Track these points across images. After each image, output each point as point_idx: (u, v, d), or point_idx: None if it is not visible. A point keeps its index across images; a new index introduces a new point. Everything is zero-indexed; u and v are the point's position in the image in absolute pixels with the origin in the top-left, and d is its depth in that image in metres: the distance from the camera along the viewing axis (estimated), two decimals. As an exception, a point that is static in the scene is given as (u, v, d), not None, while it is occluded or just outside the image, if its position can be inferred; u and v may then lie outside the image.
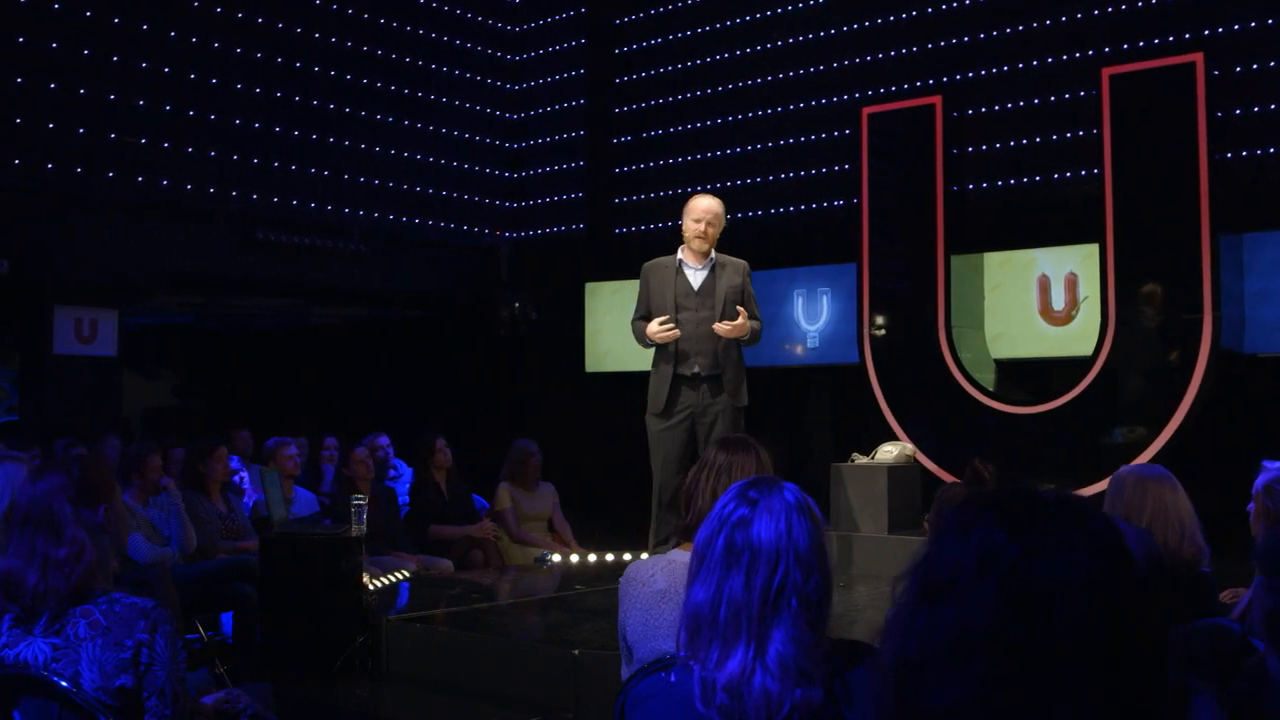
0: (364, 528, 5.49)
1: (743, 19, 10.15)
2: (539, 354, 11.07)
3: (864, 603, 5.84)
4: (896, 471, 6.93)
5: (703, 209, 6.02)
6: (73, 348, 8.23)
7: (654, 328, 5.92)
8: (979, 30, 8.83)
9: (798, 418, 9.85)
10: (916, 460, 7.34)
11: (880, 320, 8.62)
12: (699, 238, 5.98)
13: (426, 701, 4.96)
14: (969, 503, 1.14)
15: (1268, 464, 3.82)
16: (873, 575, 6.49)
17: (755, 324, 6.04)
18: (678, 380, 5.94)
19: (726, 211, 10.06)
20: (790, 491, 2.10)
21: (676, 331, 5.89)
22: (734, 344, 5.98)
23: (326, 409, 12.05)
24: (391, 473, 8.64)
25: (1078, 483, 7.69)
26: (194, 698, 3.06)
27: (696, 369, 5.93)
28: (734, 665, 1.97)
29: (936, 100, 8.48)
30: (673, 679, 2.06)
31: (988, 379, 8.51)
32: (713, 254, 6.06)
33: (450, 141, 10.88)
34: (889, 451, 6.99)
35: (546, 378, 11.00)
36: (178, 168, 8.76)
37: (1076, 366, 7.85)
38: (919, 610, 1.08)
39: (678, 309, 5.94)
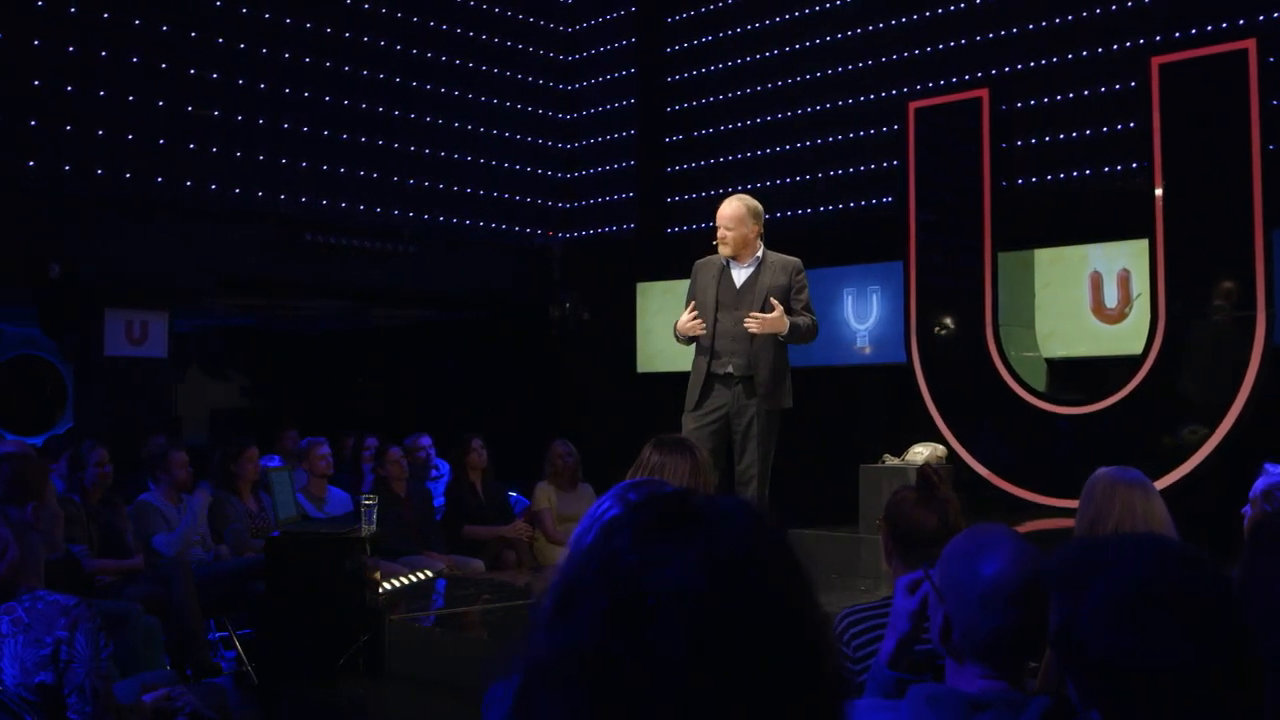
0: (373, 528, 5.51)
1: (791, 15, 10.03)
2: (591, 354, 11.05)
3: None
4: (926, 473, 6.76)
5: (720, 215, 5.94)
6: (124, 349, 8.42)
7: (682, 319, 5.85)
8: (1026, 21, 8.60)
9: (848, 418, 9.70)
10: (950, 462, 7.16)
11: (946, 320, 8.44)
12: (721, 243, 5.92)
13: (427, 701, 4.96)
14: (621, 510, 1.06)
15: (1270, 467, 3.63)
16: (899, 579, 6.33)
17: (802, 320, 5.84)
18: (711, 378, 5.87)
19: (780, 210, 10.05)
20: None
21: (699, 324, 5.80)
22: (771, 345, 5.83)
23: (387, 409, 12.19)
24: (434, 473, 8.68)
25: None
26: (138, 694, 3.09)
27: (730, 368, 5.83)
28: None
29: (983, 93, 8.30)
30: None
31: (1039, 378, 8.30)
32: (759, 252, 5.94)
33: (502, 143, 10.93)
34: (919, 453, 6.83)
35: (598, 378, 10.98)
36: (226, 171, 8.91)
37: (1130, 365, 7.61)
38: (543, 625, 1.00)
39: (718, 307, 5.86)
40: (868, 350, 9.66)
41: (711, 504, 1.02)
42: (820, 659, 0.98)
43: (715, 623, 0.93)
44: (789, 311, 5.78)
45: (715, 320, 5.84)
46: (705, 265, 6.07)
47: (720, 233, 5.87)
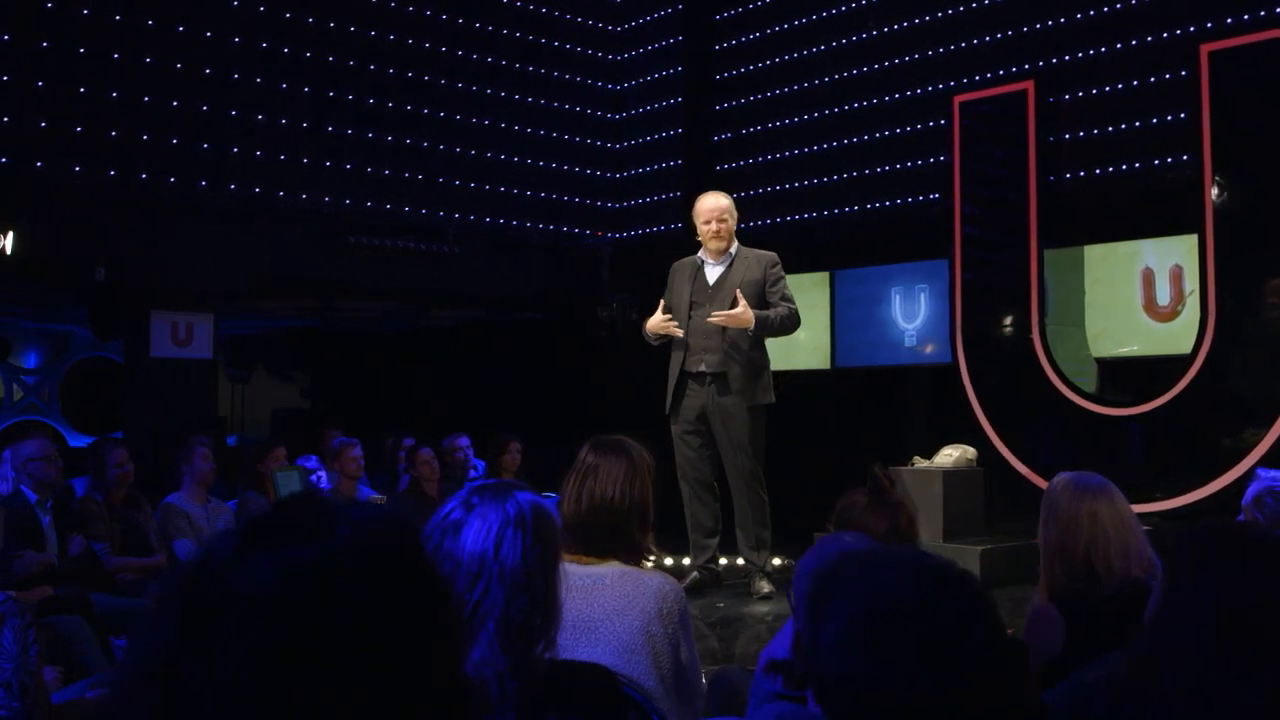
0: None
1: (837, 10, 9.87)
2: (637, 355, 10.97)
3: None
4: (955, 476, 6.58)
5: (708, 209, 5.91)
6: (169, 351, 8.54)
7: (654, 320, 5.83)
8: (1071, 11, 8.35)
9: (895, 419, 9.51)
10: (981, 464, 6.97)
11: (991, 318, 8.24)
12: (715, 237, 5.88)
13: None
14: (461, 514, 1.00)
15: (1262, 472, 3.45)
16: (923, 585, 6.18)
17: (774, 312, 5.75)
18: (684, 378, 5.82)
19: (827, 208, 9.89)
20: (515, 503, 1.96)
21: (672, 324, 5.77)
22: (744, 341, 5.74)
23: (439, 410, 12.25)
24: (472, 473, 8.68)
25: (1176, 488, 7.19)
26: (82, 694, 3.10)
27: (703, 366, 5.79)
28: (422, 682, 1.85)
29: (1028, 85, 8.09)
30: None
31: (1089, 378, 8.06)
32: (733, 248, 5.89)
33: (548, 142, 10.91)
34: (949, 455, 6.66)
35: (646, 379, 10.90)
36: (269, 174, 9.00)
37: (1184, 365, 7.34)
38: (137, 633, 0.95)
39: (691, 305, 5.83)
40: (930, 349, 9.46)
41: (323, 511, 0.96)
42: (422, 673, 0.92)
43: (288, 628, 0.87)
44: (765, 305, 5.69)
45: (689, 318, 5.78)
46: (680, 267, 6.06)
47: (712, 227, 5.85)
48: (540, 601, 1.90)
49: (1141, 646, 2.04)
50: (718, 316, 5.60)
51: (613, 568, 2.89)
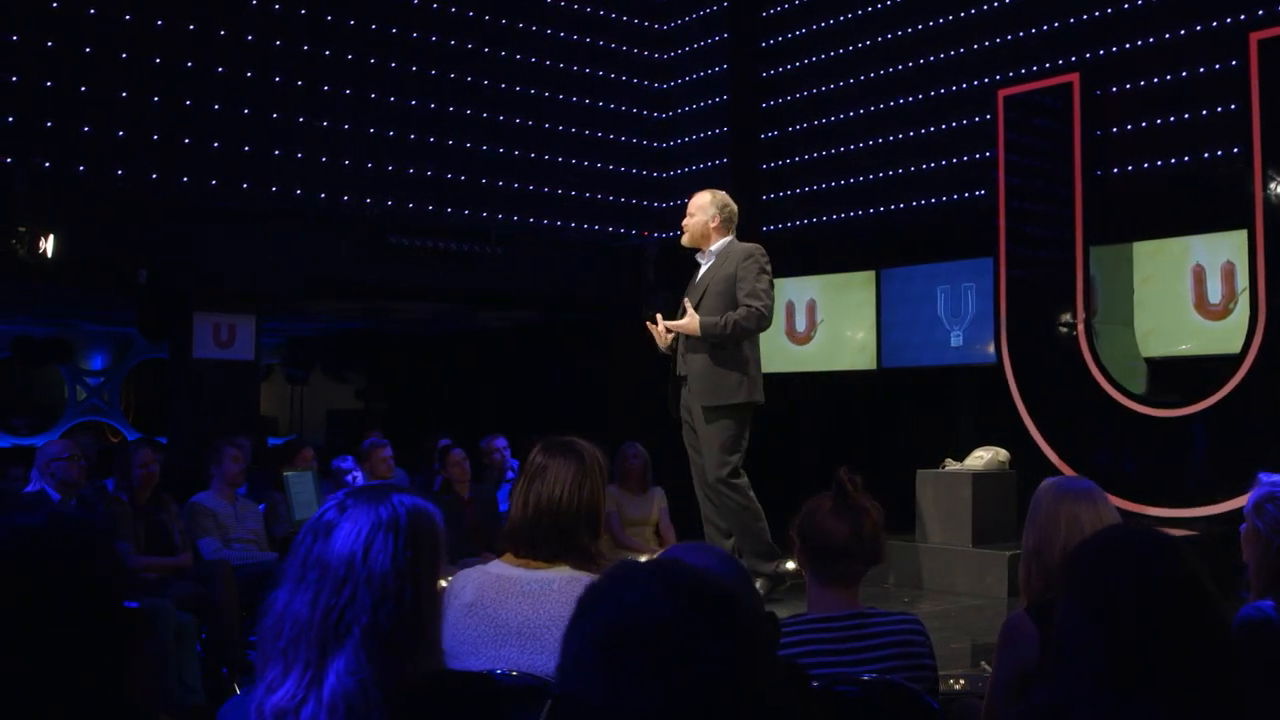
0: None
1: (882, 4, 9.70)
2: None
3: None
4: (984, 479, 6.40)
5: (688, 205, 5.85)
6: (211, 352, 8.63)
7: (658, 338, 5.81)
8: (1119, 0, 8.10)
9: (942, 420, 9.31)
10: (1012, 467, 6.77)
11: (1036, 317, 8.03)
12: (682, 231, 5.84)
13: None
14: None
15: (1263, 477, 3.25)
16: (949, 591, 6.00)
17: (726, 317, 5.49)
18: (678, 381, 5.78)
19: (874, 205, 9.71)
20: (389, 506, 1.89)
21: (663, 333, 5.73)
22: (700, 342, 5.61)
23: (490, 410, 12.28)
24: (509, 474, 8.66)
25: (1225, 492, 6.93)
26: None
27: (680, 369, 5.77)
28: (287, 690, 1.80)
29: (1074, 78, 7.89)
30: (247, 698, 1.90)
31: (1138, 379, 7.82)
32: (717, 245, 5.76)
33: (594, 142, 10.86)
34: (980, 457, 6.49)
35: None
36: (312, 176, 9.06)
37: (1234, 364, 7.08)
38: None
39: (684, 308, 5.78)
40: (990, 349, 9.26)
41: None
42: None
43: None
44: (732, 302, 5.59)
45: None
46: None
47: (683, 221, 5.79)
48: (411, 609, 1.83)
49: (1054, 649, 2.00)
50: (667, 323, 5.58)
51: (561, 573, 2.82)
